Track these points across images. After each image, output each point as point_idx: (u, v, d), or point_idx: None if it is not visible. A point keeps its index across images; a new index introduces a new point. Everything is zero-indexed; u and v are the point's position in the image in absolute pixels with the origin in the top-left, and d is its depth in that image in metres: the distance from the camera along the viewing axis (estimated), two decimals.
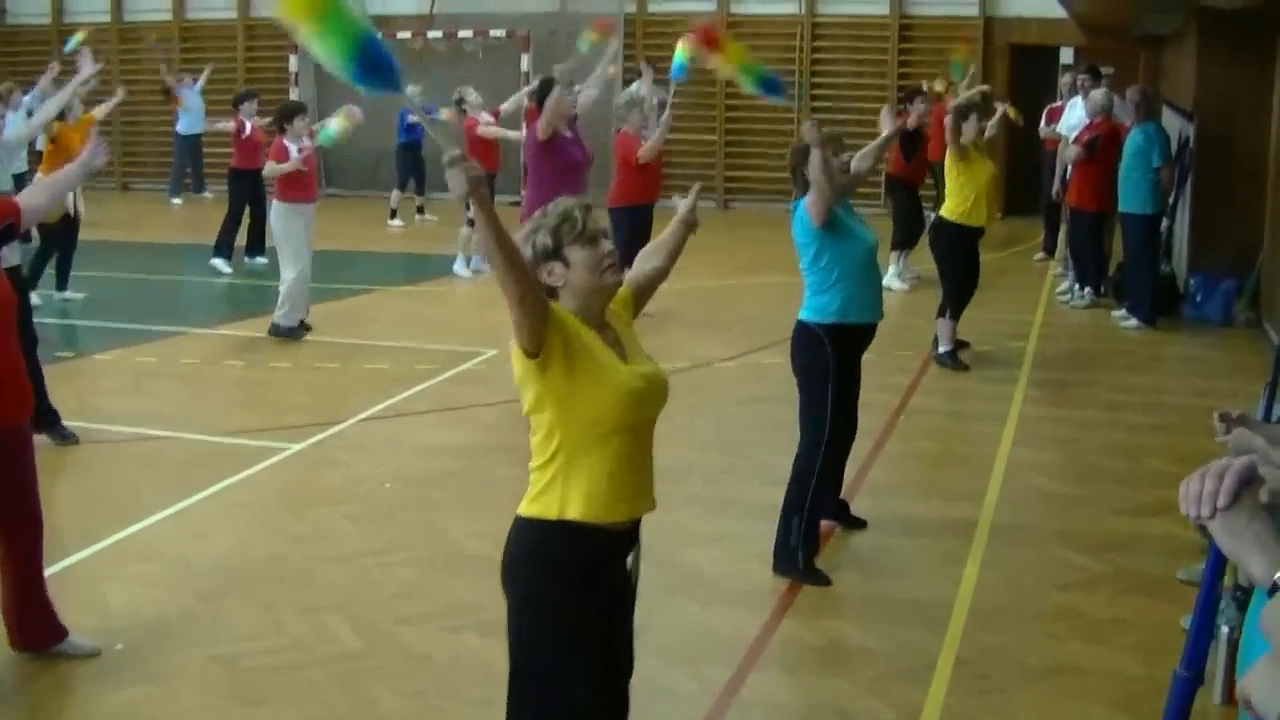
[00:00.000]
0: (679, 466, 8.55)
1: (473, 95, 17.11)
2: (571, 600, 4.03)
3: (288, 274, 13.16)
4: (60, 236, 14.75)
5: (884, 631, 6.54)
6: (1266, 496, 2.35)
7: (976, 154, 12.08)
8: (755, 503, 8.29)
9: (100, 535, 7.85)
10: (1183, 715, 2.60)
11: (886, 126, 8.68)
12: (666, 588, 7.01)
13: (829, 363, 7.30)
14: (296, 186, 13.33)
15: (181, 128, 24.16)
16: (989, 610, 6.79)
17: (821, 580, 7.17)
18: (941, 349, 12.10)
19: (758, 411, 10.50)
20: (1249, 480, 2.34)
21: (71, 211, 14.56)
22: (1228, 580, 5.29)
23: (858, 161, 7.86)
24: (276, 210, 13.40)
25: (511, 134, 16.46)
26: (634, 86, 20.63)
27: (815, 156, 7.23)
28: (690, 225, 4.70)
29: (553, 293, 4.03)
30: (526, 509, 4.07)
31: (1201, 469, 2.38)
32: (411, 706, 5.79)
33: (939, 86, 17.15)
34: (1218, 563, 2.48)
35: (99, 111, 16.52)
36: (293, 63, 25.52)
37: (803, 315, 7.41)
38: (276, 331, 13.07)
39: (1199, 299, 14.45)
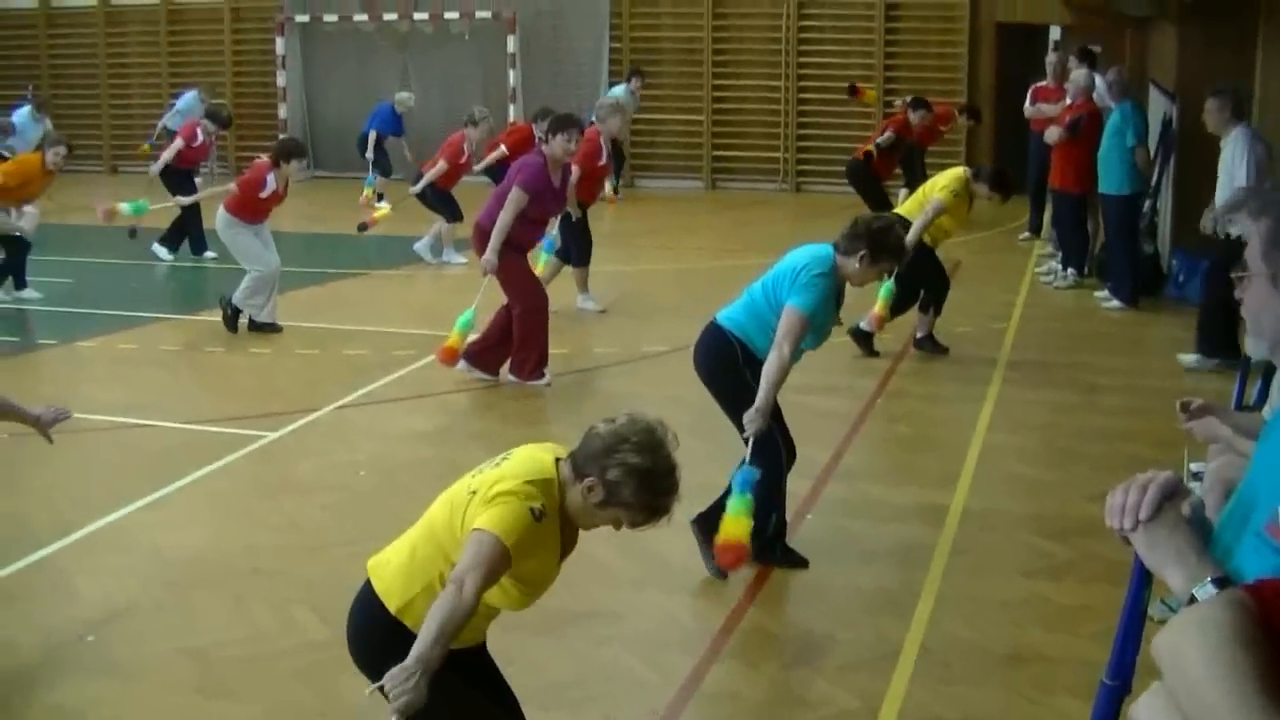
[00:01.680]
0: None
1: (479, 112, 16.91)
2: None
3: (253, 272, 12.97)
4: (11, 247, 14.60)
5: (850, 620, 6.57)
6: (1189, 510, 2.38)
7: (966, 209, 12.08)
8: None
9: (75, 526, 7.87)
10: None
11: None
12: (635, 578, 7.05)
13: (748, 379, 6.99)
14: (249, 208, 13.00)
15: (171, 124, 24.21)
16: (956, 597, 6.82)
17: (800, 562, 7.20)
18: (919, 334, 12.11)
19: None
20: (1172, 494, 2.37)
21: (18, 232, 14.41)
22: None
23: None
24: (222, 219, 13.05)
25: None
26: (619, 90, 20.58)
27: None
28: None
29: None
30: (389, 601, 4.11)
31: (1127, 481, 2.41)
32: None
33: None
34: (1142, 574, 2.50)
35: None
36: (279, 45, 25.47)
37: (729, 326, 7.15)
38: (234, 322, 12.93)
39: (1181, 279, 14.44)
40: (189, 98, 22.48)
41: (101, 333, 12.97)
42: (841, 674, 5.99)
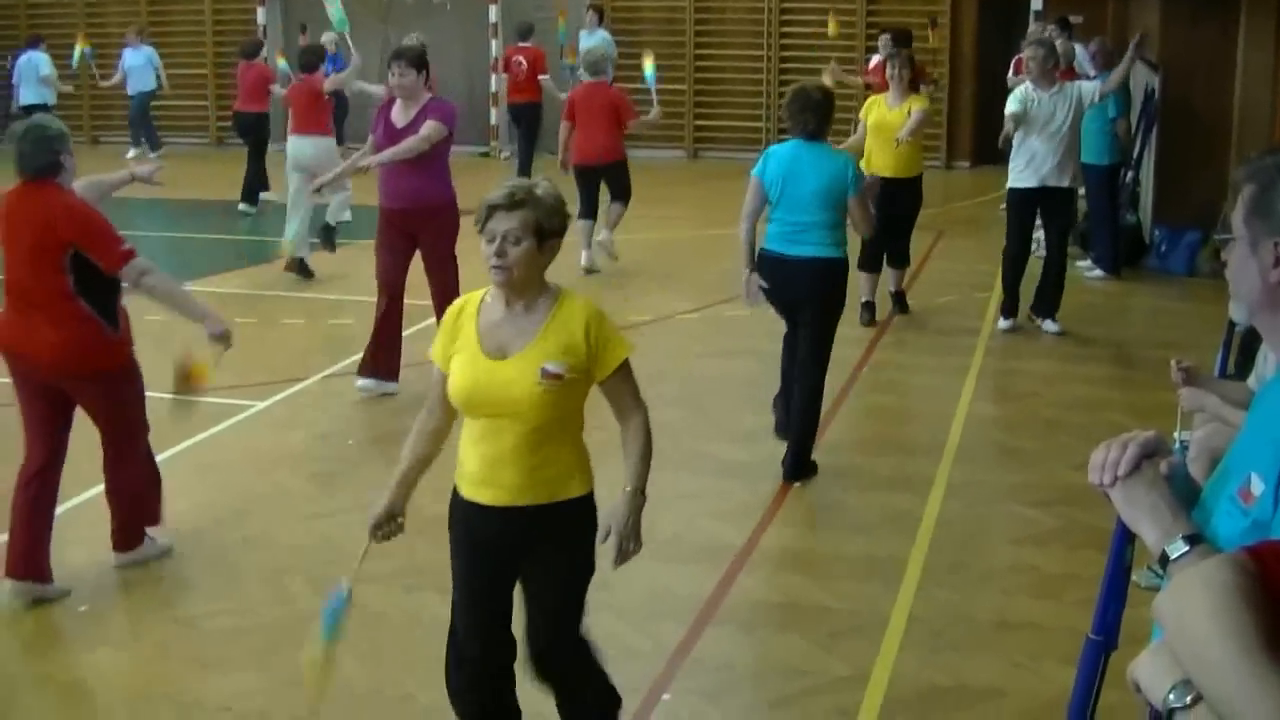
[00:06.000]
0: None
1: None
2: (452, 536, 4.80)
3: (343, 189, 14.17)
4: None
5: (839, 588, 6.63)
6: (1167, 469, 2.43)
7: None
8: (717, 459, 8.38)
9: (66, 496, 7.85)
10: (1093, 679, 2.63)
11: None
12: None
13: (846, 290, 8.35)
14: (317, 114, 14.46)
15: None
16: (943, 566, 6.88)
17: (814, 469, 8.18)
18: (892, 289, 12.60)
19: (721, 365, 10.55)
20: (1153, 452, 2.42)
21: None
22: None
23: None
24: (319, 145, 14.23)
25: None
26: (599, 38, 20.49)
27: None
28: None
29: None
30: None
31: (1110, 439, 2.46)
32: (367, 666, 5.86)
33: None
34: (1124, 530, 2.54)
35: None
36: (260, 15, 25.39)
37: (834, 253, 8.06)
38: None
39: (1163, 250, 14.52)
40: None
41: None
42: (833, 641, 6.05)
